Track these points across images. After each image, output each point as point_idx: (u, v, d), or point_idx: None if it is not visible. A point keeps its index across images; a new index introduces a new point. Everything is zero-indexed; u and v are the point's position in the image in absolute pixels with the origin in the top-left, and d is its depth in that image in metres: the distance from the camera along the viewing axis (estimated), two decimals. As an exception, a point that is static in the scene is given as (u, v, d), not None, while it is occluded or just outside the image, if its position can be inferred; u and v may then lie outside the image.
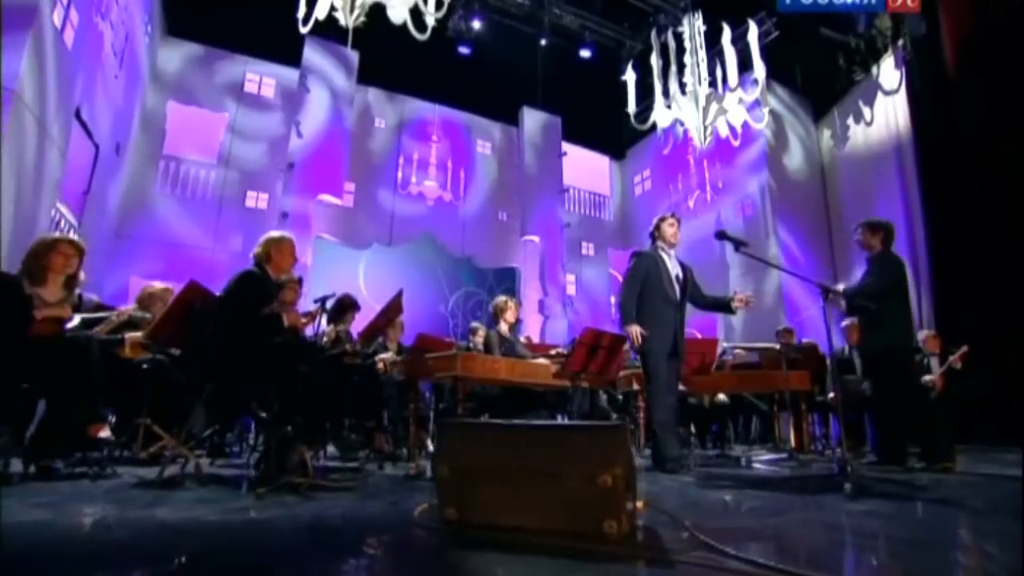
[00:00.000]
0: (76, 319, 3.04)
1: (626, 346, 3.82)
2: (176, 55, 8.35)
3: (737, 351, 6.21)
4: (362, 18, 5.37)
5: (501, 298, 4.66)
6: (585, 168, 11.51)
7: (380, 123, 9.65)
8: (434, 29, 6.16)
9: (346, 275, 8.79)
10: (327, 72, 8.55)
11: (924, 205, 6.95)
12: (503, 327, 4.53)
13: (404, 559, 1.47)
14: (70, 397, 2.64)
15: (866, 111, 8.21)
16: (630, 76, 7.94)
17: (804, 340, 6.05)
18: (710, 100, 7.57)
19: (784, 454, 4.72)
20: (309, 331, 3.21)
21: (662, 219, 3.78)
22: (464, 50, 9.37)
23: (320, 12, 5.32)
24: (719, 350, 5.24)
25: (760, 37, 7.47)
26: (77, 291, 3.12)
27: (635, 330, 3.46)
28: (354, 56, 8.75)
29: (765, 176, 8.68)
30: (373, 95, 9.62)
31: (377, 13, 5.73)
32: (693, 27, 7.96)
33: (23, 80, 4.16)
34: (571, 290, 10.53)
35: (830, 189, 9.05)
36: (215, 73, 8.53)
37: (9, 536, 1.44)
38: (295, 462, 2.57)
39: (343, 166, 8.48)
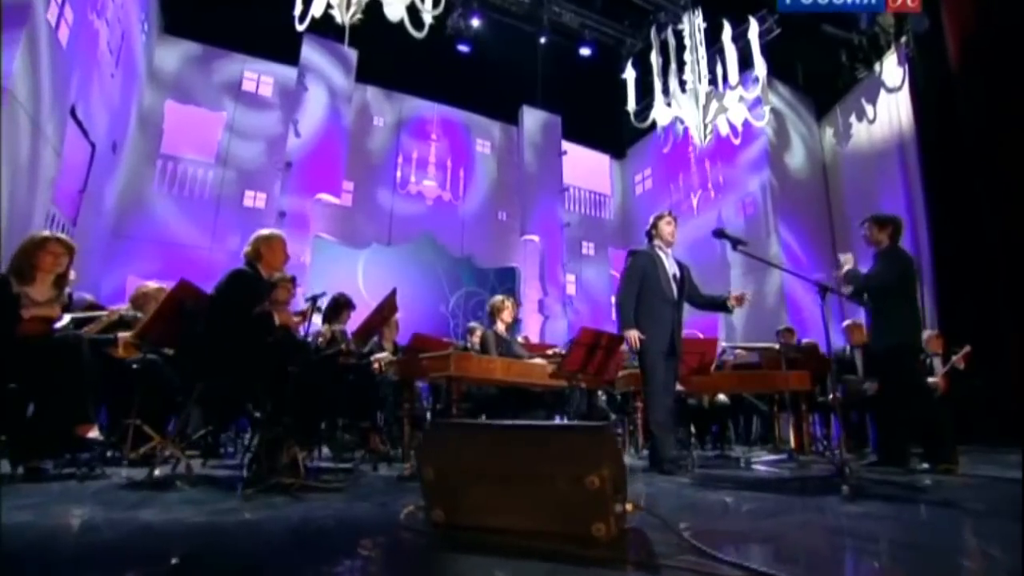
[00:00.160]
0: (66, 318, 3.01)
1: (624, 347, 3.79)
2: (174, 54, 8.32)
3: (738, 351, 6.17)
4: (359, 15, 5.33)
5: (498, 298, 4.63)
6: (585, 167, 11.45)
7: (379, 122, 9.61)
8: (433, 27, 6.14)
9: (345, 275, 8.77)
10: (325, 70, 8.53)
11: (927, 203, 6.90)
12: (500, 327, 4.50)
13: (389, 562, 1.44)
14: (58, 397, 2.61)
15: (869, 109, 8.15)
16: (630, 74, 7.90)
17: (805, 340, 6.00)
18: (710, 98, 7.53)
19: (784, 455, 4.67)
20: (301, 330, 3.18)
21: (659, 217, 3.74)
22: (463, 48, 9.32)
23: (316, 9, 5.29)
24: (718, 350, 5.20)
25: (761, 35, 7.42)
26: (67, 290, 3.10)
27: (633, 335, 3.43)
28: (352, 54, 8.72)
29: (767, 174, 8.62)
30: (372, 93, 9.59)
31: (374, 10, 5.70)
32: (693, 24, 7.92)
33: (16, 78, 4.15)
34: (571, 290, 10.49)
35: (832, 187, 9.00)
36: (213, 72, 8.50)
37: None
38: (286, 462, 2.54)
39: (341, 165, 8.45)
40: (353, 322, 4.36)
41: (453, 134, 10.24)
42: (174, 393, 3.30)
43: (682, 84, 7.70)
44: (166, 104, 8.11)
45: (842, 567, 1.40)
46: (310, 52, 8.40)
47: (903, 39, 7.50)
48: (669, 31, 8.06)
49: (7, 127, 4.05)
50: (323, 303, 3.33)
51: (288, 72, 8.68)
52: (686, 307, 3.77)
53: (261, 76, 8.85)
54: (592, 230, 11.36)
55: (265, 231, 3.03)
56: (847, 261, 3.73)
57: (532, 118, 10.55)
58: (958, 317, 6.14)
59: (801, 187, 8.88)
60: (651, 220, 3.77)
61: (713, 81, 7.61)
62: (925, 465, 3.45)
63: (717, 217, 9.19)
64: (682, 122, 7.88)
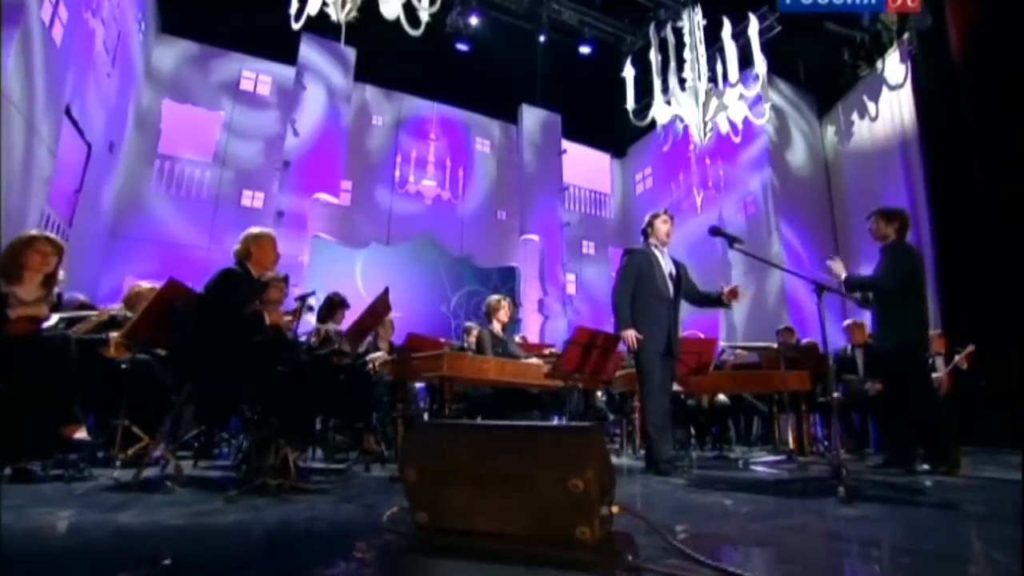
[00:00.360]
0: (54, 318, 2.99)
1: (621, 346, 3.75)
2: (171, 53, 8.31)
3: (738, 351, 6.11)
4: (354, 13, 5.30)
5: (494, 297, 4.60)
6: (585, 166, 11.40)
7: (377, 121, 9.58)
8: (431, 26, 6.11)
9: (343, 275, 8.75)
10: (324, 70, 8.50)
11: (930, 201, 6.83)
12: (496, 326, 4.46)
13: (367, 566, 1.40)
14: (45, 398, 2.58)
15: (871, 106, 8.08)
16: (629, 72, 7.85)
17: (805, 339, 5.94)
18: (710, 96, 7.47)
19: (783, 456, 4.62)
20: (293, 329, 3.14)
21: (655, 215, 3.70)
22: (462, 47, 9.28)
23: (312, 8, 5.26)
24: (717, 350, 5.15)
25: (762, 32, 7.37)
26: (57, 290, 3.07)
27: (631, 335, 3.39)
28: (351, 53, 8.69)
29: (767, 173, 8.56)
30: (370, 92, 9.56)
31: (371, 8, 5.67)
32: (693, 22, 7.87)
33: (10, 77, 4.13)
34: (571, 289, 10.44)
35: (834, 186, 8.93)
36: (210, 71, 8.49)
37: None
38: (276, 463, 2.51)
39: (340, 164, 8.43)
40: (349, 322, 4.32)
41: (452, 133, 10.20)
42: (166, 393, 3.26)
43: (682, 82, 7.65)
44: (163, 104, 8.10)
45: (830, 572, 1.35)
46: (308, 51, 8.38)
47: (905, 36, 7.43)
48: (669, 29, 8.02)
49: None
50: (313, 302, 3.29)
51: (286, 71, 8.66)
52: (687, 307, 3.72)
53: (259, 75, 8.83)
54: (592, 229, 11.31)
55: (255, 229, 3.00)
56: (839, 269, 3.56)
57: (531, 117, 10.51)
58: (961, 316, 6.07)
59: (802, 185, 8.81)
60: (647, 218, 3.73)
61: (713, 79, 7.56)
62: (926, 466, 3.40)
63: (718, 216, 9.13)
64: (682, 120, 7.84)
